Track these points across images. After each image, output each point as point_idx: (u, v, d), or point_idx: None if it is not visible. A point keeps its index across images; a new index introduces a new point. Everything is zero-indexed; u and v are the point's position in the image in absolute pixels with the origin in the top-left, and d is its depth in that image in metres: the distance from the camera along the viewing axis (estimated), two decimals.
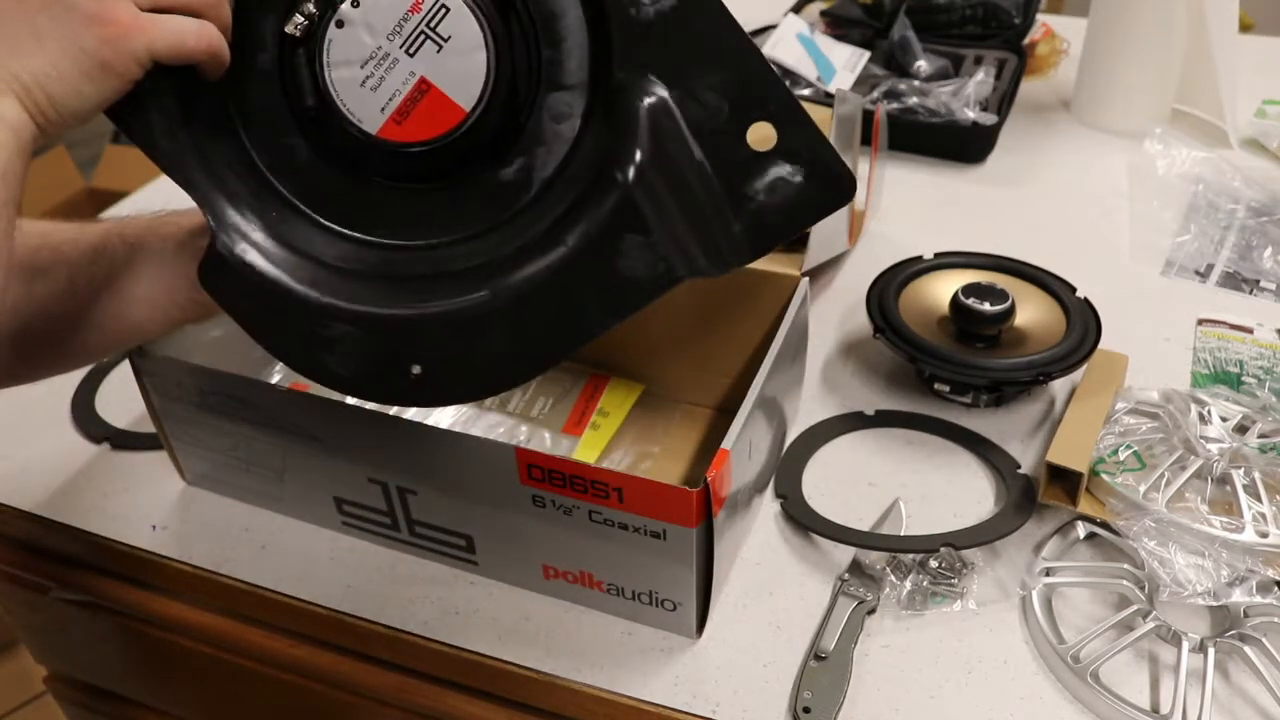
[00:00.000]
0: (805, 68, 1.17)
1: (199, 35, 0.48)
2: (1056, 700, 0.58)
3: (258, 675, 0.73)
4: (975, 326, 0.76)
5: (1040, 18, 1.28)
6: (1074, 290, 0.80)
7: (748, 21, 1.20)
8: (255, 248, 0.53)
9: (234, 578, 0.68)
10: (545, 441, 0.78)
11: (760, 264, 0.72)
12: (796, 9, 1.34)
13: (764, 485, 0.71)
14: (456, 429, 0.72)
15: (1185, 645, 0.58)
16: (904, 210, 1.02)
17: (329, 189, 0.55)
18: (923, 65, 1.17)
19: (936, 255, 0.85)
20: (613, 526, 0.57)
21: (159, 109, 0.51)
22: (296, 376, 0.55)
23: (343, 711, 0.72)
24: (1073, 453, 0.66)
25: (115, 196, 1.22)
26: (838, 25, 1.29)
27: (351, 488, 0.66)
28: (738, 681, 0.59)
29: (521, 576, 0.65)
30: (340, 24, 0.50)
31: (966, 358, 0.74)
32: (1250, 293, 0.91)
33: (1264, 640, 0.58)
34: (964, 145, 1.11)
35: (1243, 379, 0.79)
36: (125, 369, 0.69)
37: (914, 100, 1.11)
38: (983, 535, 0.66)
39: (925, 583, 0.64)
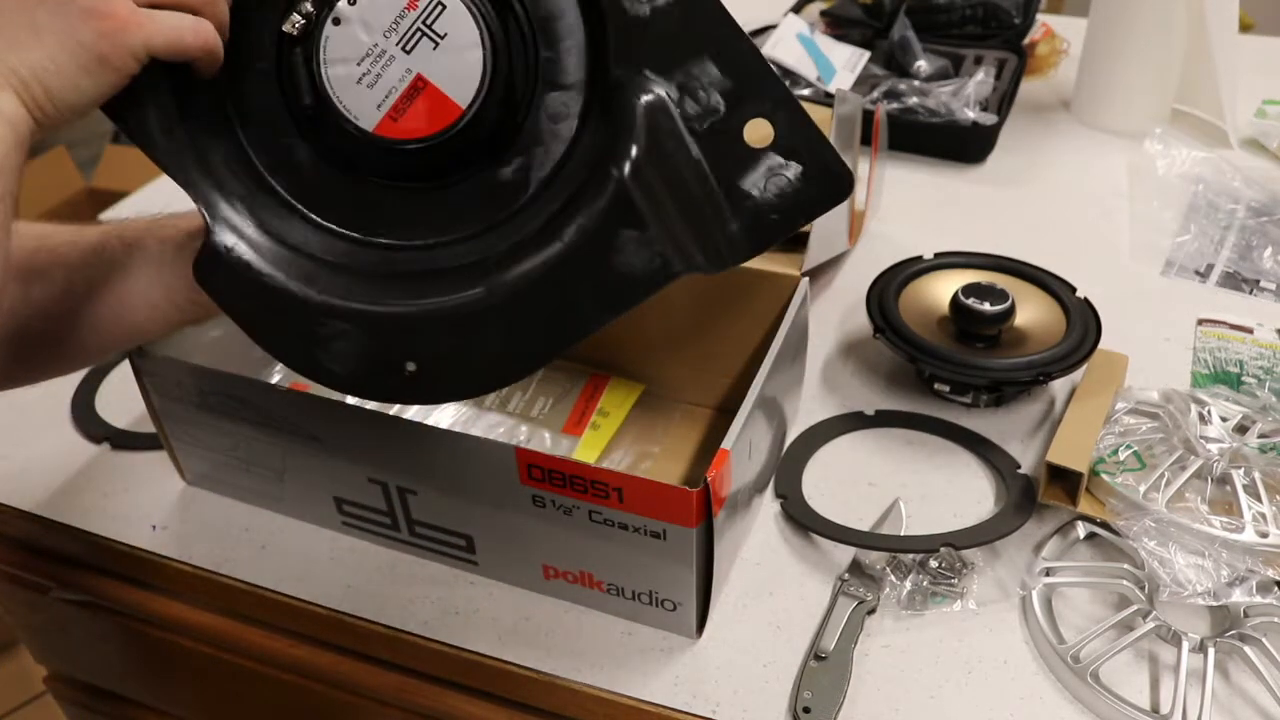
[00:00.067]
0: (805, 68, 1.17)
1: (195, 32, 0.49)
2: (1056, 700, 0.58)
3: (258, 675, 0.73)
4: (975, 326, 0.76)
5: (1040, 18, 1.28)
6: (1074, 290, 0.80)
7: (748, 21, 1.20)
8: (250, 244, 0.53)
9: (234, 578, 0.68)
10: (545, 441, 0.78)
11: (760, 264, 0.73)
12: (796, 9, 1.34)
13: (764, 485, 0.71)
14: (456, 429, 0.72)
15: (1185, 645, 0.58)
16: (904, 210, 1.02)
17: (327, 189, 0.55)
18: (923, 65, 1.17)
19: (936, 255, 0.85)
20: (613, 526, 0.57)
21: (155, 105, 0.52)
22: (296, 376, 0.55)
23: (343, 711, 0.72)
24: (1073, 453, 0.66)
25: (115, 196, 1.22)
26: (838, 25, 1.29)
27: (351, 488, 0.66)
28: (738, 681, 0.59)
29: (521, 576, 0.65)
30: (337, 21, 0.50)
31: (966, 358, 0.74)
32: (1250, 293, 0.91)
33: (1264, 640, 0.58)
34: (964, 145, 1.11)
35: (1243, 379, 0.79)
36: (125, 369, 0.69)
37: (914, 100, 1.11)
38: (983, 535, 0.66)
39: (925, 583, 0.64)
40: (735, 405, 0.59)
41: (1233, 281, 0.92)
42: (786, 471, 0.72)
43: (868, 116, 0.91)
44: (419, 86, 0.51)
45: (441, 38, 0.50)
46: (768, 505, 0.71)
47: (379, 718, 0.71)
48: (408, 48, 0.50)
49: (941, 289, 0.80)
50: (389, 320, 0.53)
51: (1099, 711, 0.57)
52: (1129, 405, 0.72)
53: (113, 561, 0.72)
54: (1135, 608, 0.61)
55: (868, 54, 1.22)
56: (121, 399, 0.81)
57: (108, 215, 1.07)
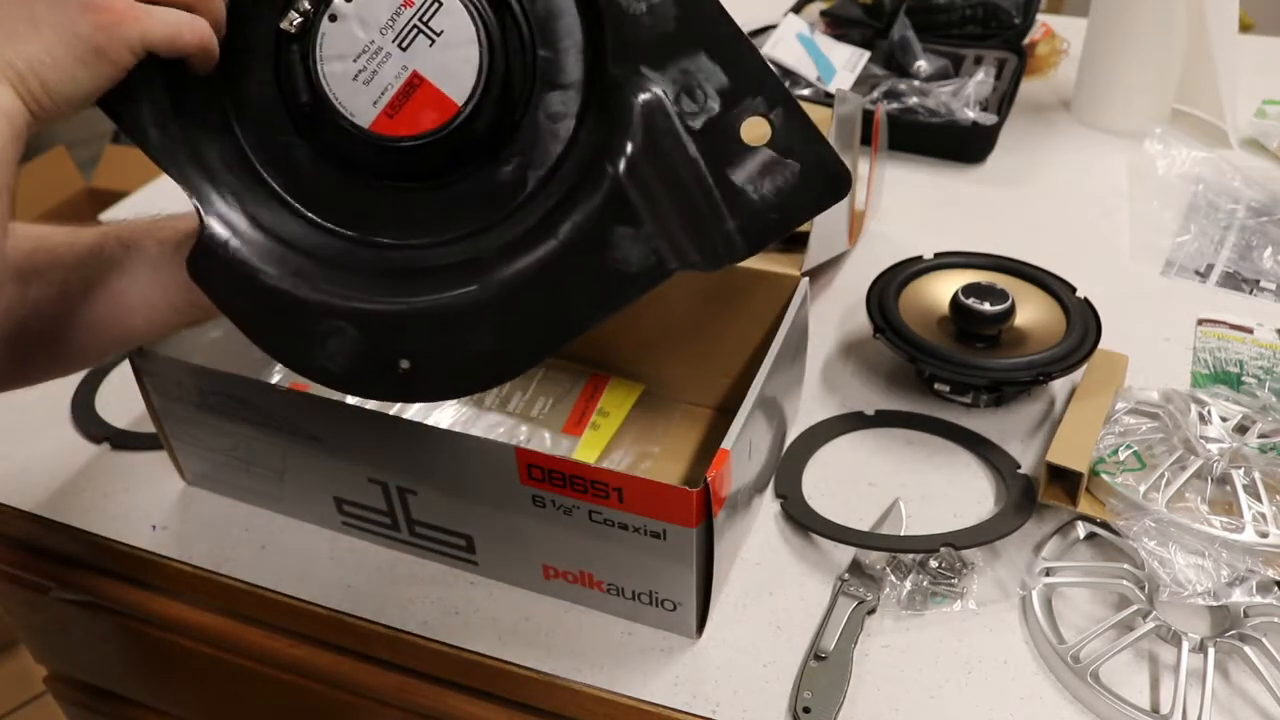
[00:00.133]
0: (805, 68, 1.17)
1: (191, 29, 0.49)
2: (1056, 700, 0.58)
3: (258, 675, 0.73)
4: (975, 326, 0.76)
5: (1040, 18, 1.28)
6: (1074, 290, 0.80)
7: (748, 21, 1.21)
8: (244, 240, 0.53)
9: (234, 578, 0.68)
10: (545, 441, 0.78)
11: (760, 263, 0.73)
12: (796, 9, 1.34)
13: (764, 485, 0.71)
14: (456, 429, 0.72)
15: (1185, 645, 0.58)
16: (904, 210, 1.02)
17: (324, 188, 0.55)
18: (923, 65, 1.17)
19: (936, 255, 0.85)
20: (613, 526, 0.57)
21: (150, 100, 0.52)
22: (296, 376, 0.55)
23: (343, 711, 0.72)
24: (1073, 453, 0.66)
25: (115, 196, 1.22)
26: (838, 25, 1.29)
27: (351, 488, 0.66)
28: (738, 681, 0.59)
29: (521, 576, 0.65)
30: (334, 18, 0.50)
31: (966, 358, 0.74)
32: (1250, 293, 0.91)
33: (1264, 640, 0.58)
34: (964, 145, 1.10)
35: (1243, 379, 0.79)
36: (125, 369, 0.69)
37: (914, 100, 1.11)
38: (983, 535, 0.66)
39: (925, 583, 0.64)
40: (735, 405, 0.59)
41: (1233, 281, 0.92)
42: (786, 471, 0.72)
43: (868, 116, 0.91)
44: (415, 84, 0.51)
45: (438, 35, 0.50)
46: (768, 505, 0.71)
47: (379, 718, 0.71)
48: (404, 45, 0.50)
49: (941, 289, 0.80)
50: (383, 318, 0.53)
51: (1099, 711, 0.57)
52: (1129, 405, 0.72)
53: (113, 561, 0.72)
54: (1135, 608, 0.61)
55: (868, 54, 1.22)
56: (121, 399, 0.81)
57: (108, 215, 1.07)
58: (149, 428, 0.73)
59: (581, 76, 0.53)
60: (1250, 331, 0.85)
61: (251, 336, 0.54)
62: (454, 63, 0.51)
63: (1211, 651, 0.58)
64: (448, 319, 0.53)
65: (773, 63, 1.15)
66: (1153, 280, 0.93)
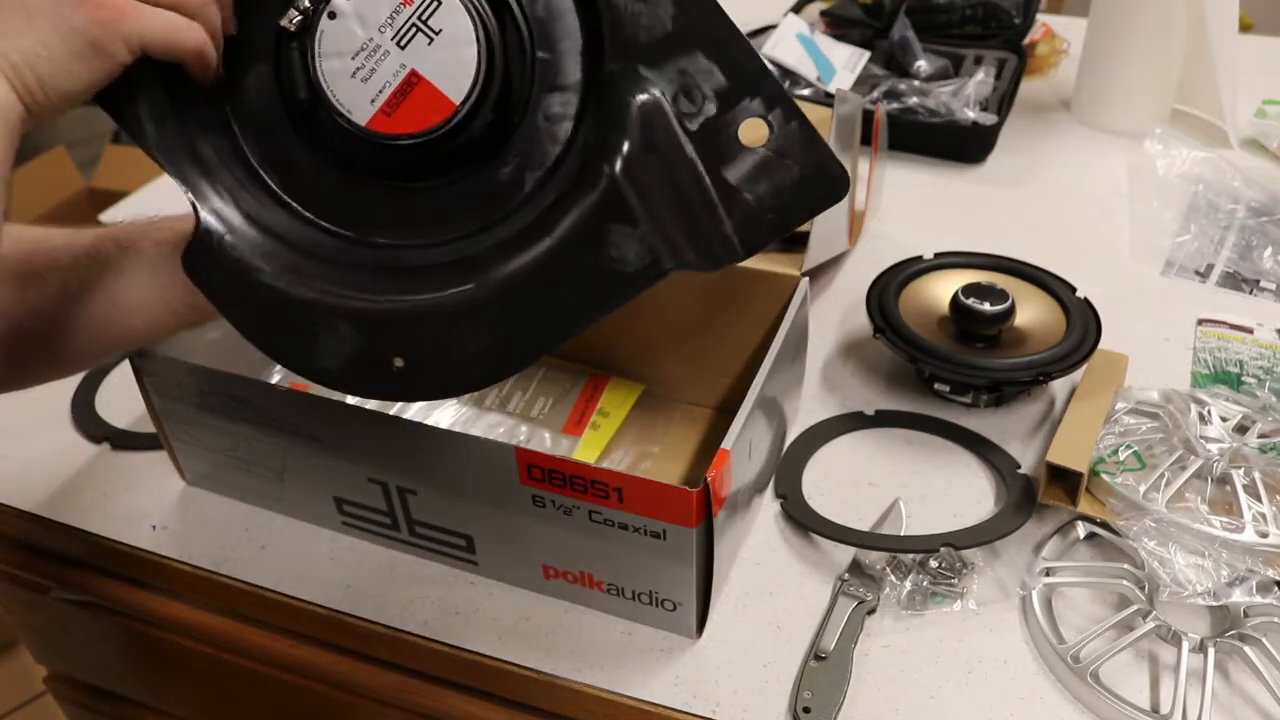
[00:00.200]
0: (805, 68, 1.17)
1: (189, 32, 0.49)
2: (1056, 700, 0.58)
3: (258, 675, 0.73)
4: (975, 326, 0.76)
5: (1040, 18, 1.28)
6: (1074, 290, 0.80)
7: (748, 22, 1.21)
8: (240, 237, 0.53)
9: (234, 578, 0.68)
10: (545, 441, 0.78)
11: (760, 263, 0.73)
12: (796, 9, 1.34)
13: (764, 485, 0.71)
14: (456, 429, 0.72)
15: (1185, 645, 0.58)
16: (904, 210, 1.02)
17: (323, 188, 0.55)
18: (923, 65, 1.17)
19: (936, 255, 0.85)
20: (613, 526, 0.57)
21: (149, 97, 0.52)
22: (296, 376, 0.55)
23: (343, 711, 0.72)
24: (1073, 453, 0.66)
25: (115, 196, 1.22)
26: (838, 25, 1.29)
27: (351, 488, 0.66)
28: (738, 681, 0.59)
29: (521, 576, 0.65)
30: (333, 16, 0.50)
31: (966, 358, 0.74)
32: (1250, 293, 0.91)
33: (1264, 640, 0.58)
34: (964, 145, 1.10)
35: (1243, 379, 0.79)
36: (125, 369, 0.69)
37: (914, 100, 1.11)
38: (983, 535, 0.66)
39: (925, 583, 0.64)
40: (735, 405, 0.59)
41: (1233, 281, 0.92)
42: (786, 471, 0.72)
43: (868, 116, 0.91)
44: (413, 82, 0.51)
45: (436, 33, 0.50)
46: (768, 505, 0.71)
47: (379, 718, 0.71)
48: (402, 43, 0.50)
49: (941, 289, 0.80)
50: (379, 316, 0.53)
51: (1099, 711, 0.57)
52: (1129, 405, 0.72)
53: (113, 561, 0.72)
54: (1135, 608, 0.61)
55: (868, 54, 1.22)
56: (121, 399, 0.81)
57: (107, 216, 1.07)
58: (149, 428, 0.73)
59: (580, 78, 0.53)
60: (1250, 331, 0.85)
61: (246, 333, 0.54)
62: (452, 62, 0.51)
63: (1211, 651, 0.58)
64: (444, 318, 0.53)
65: (773, 63, 1.15)
66: (1153, 280, 0.93)
